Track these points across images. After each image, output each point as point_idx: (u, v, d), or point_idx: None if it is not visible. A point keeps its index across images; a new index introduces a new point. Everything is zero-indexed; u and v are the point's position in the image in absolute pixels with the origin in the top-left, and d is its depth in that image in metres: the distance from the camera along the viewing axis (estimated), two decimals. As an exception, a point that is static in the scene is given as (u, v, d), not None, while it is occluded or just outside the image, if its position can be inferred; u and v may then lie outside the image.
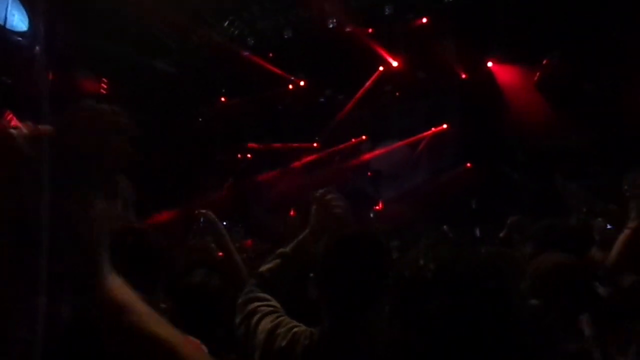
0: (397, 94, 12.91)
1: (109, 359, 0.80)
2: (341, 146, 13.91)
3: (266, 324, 1.71)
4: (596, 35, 9.15)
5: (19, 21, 8.15)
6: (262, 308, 1.78)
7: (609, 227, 5.12)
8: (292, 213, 9.69)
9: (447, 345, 0.87)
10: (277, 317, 1.74)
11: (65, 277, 0.75)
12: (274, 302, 1.83)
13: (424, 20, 10.11)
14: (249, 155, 14.56)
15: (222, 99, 12.92)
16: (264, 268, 1.97)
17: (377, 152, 13.53)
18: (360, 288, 1.61)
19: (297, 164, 13.33)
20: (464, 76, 11.80)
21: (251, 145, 13.70)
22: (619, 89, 9.73)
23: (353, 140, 14.17)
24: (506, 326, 0.88)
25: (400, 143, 13.42)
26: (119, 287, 0.80)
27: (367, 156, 13.47)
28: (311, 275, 1.70)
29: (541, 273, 1.93)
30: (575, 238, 2.63)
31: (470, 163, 12.28)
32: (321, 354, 1.61)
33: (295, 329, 1.68)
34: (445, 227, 5.76)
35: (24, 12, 8.09)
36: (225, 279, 2.28)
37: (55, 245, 0.71)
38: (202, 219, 2.66)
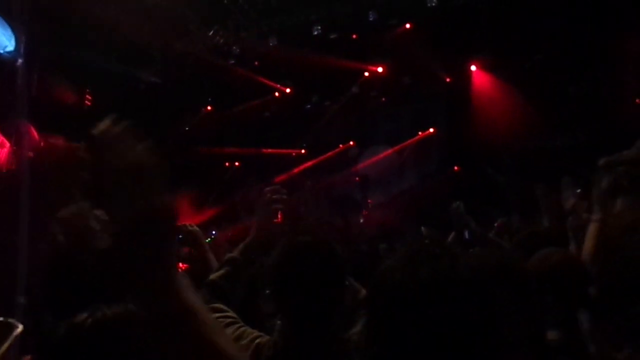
0: (383, 99, 12.99)
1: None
2: (330, 153, 13.97)
3: (228, 335, 1.68)
4: (580, 38, 9.31)
5: (5, 40, 8.09)
6: (220, 320, 1.72)
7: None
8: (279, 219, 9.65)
9: (426, 356, 0.87)
10: (238, 328, 1.71)
11: (139, 278, 0.74)
12: (230, 313, 1.78)
13: (408, 26, 10.20)
14: (236, 164, 14.52)
15: (208, 107, 12.87)
16: (214, 276, 1.92)
17: (366, 160, 13.58)
18: (315, 297, 1.57)
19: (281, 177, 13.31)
20: (448, 80, 11.93)
21: (238, 151, 13.64)
22: (603, 90, 9.91)
23: (340, 146, 14.22)
24: (485, 337, 0.88)
25: (387, 148, 13.50)
26: (187, 289, 0.79)
27: (359, 166, 13.50)
28: (266, 292, 1.67)
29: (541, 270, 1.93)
30: (555, 240, 2.65)
31: (457, 166, 12.39)
32: None
33: (258, 340, 1.65)
34: (423, 229, 5.73)
35: (10, 31, 8.02)
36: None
37: (128, 244, 0.71)
38: (185, 231, 2.62)
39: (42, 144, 8.08)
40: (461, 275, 0.91)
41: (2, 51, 8.41)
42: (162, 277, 0.75)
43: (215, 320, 0.84)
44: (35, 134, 8.20)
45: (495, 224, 3.97)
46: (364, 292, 1.92)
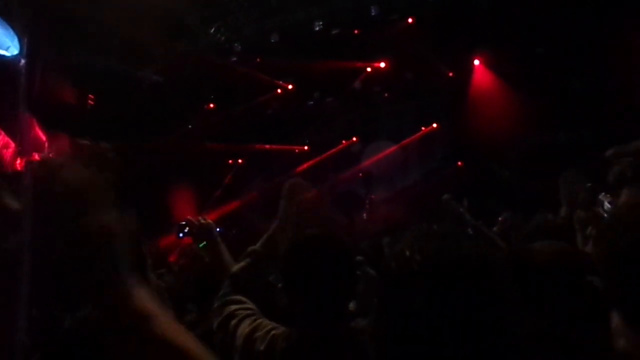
0: (386, 95, 12.96)
1: None
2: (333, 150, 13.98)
3: (244, 327, 1.69)
4: (583, 32, 9.25)
5: (7, 40, 8.17)
6: (240, 311, 1.76)
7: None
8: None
9: (433, 336, 0.87)
10: (255, 320, 1.73)
11: (83, 286, 0.76)
12: (250, 304, 1.81)
13: (410, 20, 10.15)
14: (240, 161, 14.55)
15: (210, 105, 12.88)
16: (236, 268, 1.95)
17: (369, 156, 13.57)
18: (325, 289, 1.59)
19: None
20: (451, 75, 11.88)
21: (241, 148, 13.66)
22: (607, 85, 9.85)
23: (344, 142, 14.21)
24: (492, 316, 0.88)
25: (390, 144, 13.47)
26: (143, 296, 0.80)
27: (364, 164, 13.50)
28: (279, 285, 1.69)
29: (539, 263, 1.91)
30: (564, 232, 2.64)
31: (460, 162, 12.35)
32: (299, 356, 1.60)
33: (273, 332, 1.67)
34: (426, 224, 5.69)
35: (12, 32, 8.08)
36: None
37: (75, 254, 0.73)
38: (197, 224, 2.62)
39: (47, 143, 8.11)
40: (467, 254, 0.91)
41: (4, 51, 8.46)
42: (105, 287, 0.77)
43: (179, 324, 0.85)
44: (41, 134, 8.24)
45: (500, 219, 3.96)
46: None
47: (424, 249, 0.93)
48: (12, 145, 8.19)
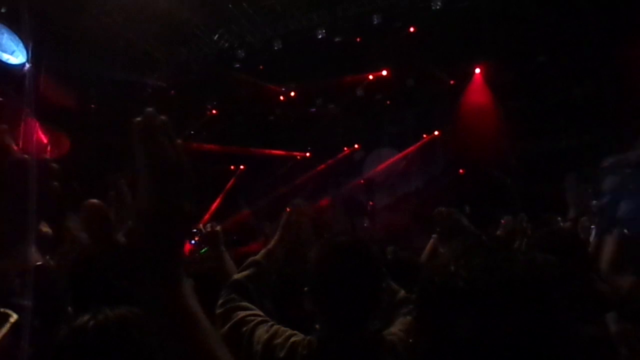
0: (388, 102, 13.00)
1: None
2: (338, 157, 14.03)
3: (261, 334, 1.68)
4: (583, 40, 9.29)
5: (12, 45, 8.26)
6: (251, 317, 1.75)
7: (592, 227, 5.16)
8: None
9: (478, 357, 0.81)
10: (272, 327, 1.71)
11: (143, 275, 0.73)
12: (258, 311, 1.80)
13: (412, 29, 10.21)
14: (242, 167, 14.58)
15: (213, 111, 12.94)
16: (239, 275, 1.94)
17: (371, 163, 13.60)
18: (353, 297, 1.59)
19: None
20: (452, 83, 11.93)
21: (244, 153, 13.68)
22: (607, 92, 9.87)
23: (346, 149, 14.25)
24: (546, 340, 0.80)
25: (392, 151, 13.51)
26: (191, 295, 0.77)
27: (368, 174, 13.53)
28: (305, 289, 1.68)
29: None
30: (574, 240, 2.65)
31: (462, 169, 12.37)
32: None
33: (293, 339, 1.65)
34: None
35: (20, 41, 8.17)
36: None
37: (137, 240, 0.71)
38: (206, 232, 2.64)
39: (48, 146, 8.15)
40: (517, 270, 0.84)
41: (9, 55, 8.54)
42: (170, 280, 0.75)
43: (213, 328, 0.82)
44: (43, 136, 8.29)
45: (502, 221, 3.96)
46: (402, 293, 1.94)
47: (470, 265, 0.85)
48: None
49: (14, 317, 0.94)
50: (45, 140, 8.06)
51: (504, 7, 9.13)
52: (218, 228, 2.65)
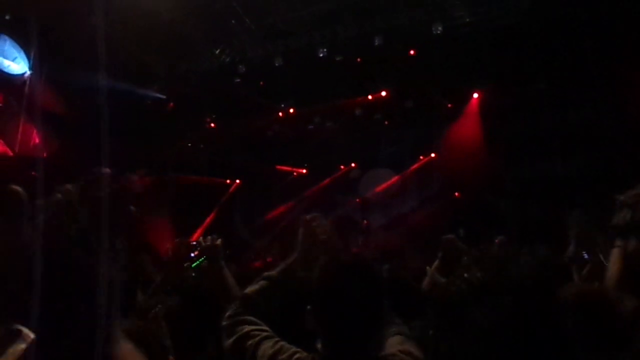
0: (386, 122, 13.09)
1: None
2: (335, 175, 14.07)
3: (266, 349, 1.68)
4: (581, 67, 9.43)
5: (14, 52, 8.33)
6: (256, 332, 1.75)
7: (585, 256, 5.18)
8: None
9: (494, 349, 0.89)
10: (277, 343, 1.71)
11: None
12: (264, 326, 1.80)
13: (412, 52, 10.34)
14: (237, 181, 14.57)
15: (212, 125, 12.97)
16: (249, 290, 1.94)
17: (367, 182, 13.64)
18: (356, 315, 1.58)
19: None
20: (450, 106, 12.04)
21: (241, 165, 13.69)
22: (604, 118, 9.98)
23: (342, 167, 14.28)
24: (552, 329, 0.90)
25: (389, 171, 13.55)
26: (129, 353, 0.77)
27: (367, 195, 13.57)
28: (308, 307, 1.67)
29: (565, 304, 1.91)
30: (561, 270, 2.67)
31: (457, 192, 12.41)
32: None
33: (297, 355, 1.65)
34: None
35: (21, 49, 8.23)
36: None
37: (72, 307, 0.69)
38: (205, 245, 2.61)
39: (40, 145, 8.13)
40: (521, 269, 1.01)
41: (10, 62, 8.57)
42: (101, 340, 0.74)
43: None
44: (36, 137, 8.28)
45: (496, 241, 4.00)
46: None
47: (484, 267, 1.00)
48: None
49: (30, 336, 0.91)
50: (37, 140, 8.07)
51: (504, 33, 9.28)
52: (218, 242, 2.63)
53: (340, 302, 1.60)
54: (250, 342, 1.71)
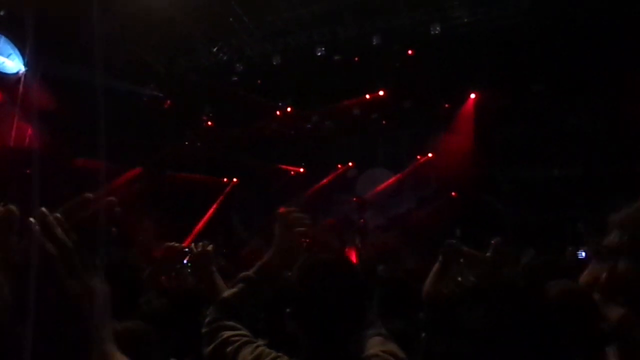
0: (383, 122, 13.09)
1: None
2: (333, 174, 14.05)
3: (245, 355, 1.63)
4: (578, 70, 9.45)
5: (9, 48, 8.30)
6: (235, 338, 1.69)
7: (582, 256, 5.20)
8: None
9: (488, 350, 0.91)
10: (257, 348, 1.66)
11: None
12: (244, 331, 1.74)
13: (410, 52, 10.35)
14: (234, 180, 14.54)
15: (209, 123, 12.94)
16: (227, 294, 1.88)
17: (364, 182, 13.63)
18: (336, 316, 1.55)
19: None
20: (447, 106, 12.05)
21: (238, 164, 13.64)
22: (601, 122, 10.01)
23: (339, 166, 14.28)
24: (540, 330, 0.93)
25: (386, 170, 13.56)
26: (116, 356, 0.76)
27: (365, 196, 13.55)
28: (287, 310, 1.64)
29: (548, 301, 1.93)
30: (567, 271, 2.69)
31: (455, 192, 12.42)
32: None
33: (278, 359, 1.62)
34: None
35: (17, 53, 8.20)
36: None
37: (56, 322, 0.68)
38: (197, 251, 2.55)
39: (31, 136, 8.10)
40: (508, 274, 1.03)
41: (5, 58, 8.54)
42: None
43: None
44: (31, 134, 8.25)
45: (492, 242, 3.97)
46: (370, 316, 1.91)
47: (475, 272, 1.03)
48: None
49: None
50: (34, 139, 8.05)
51: (502, 35, 9.30)
52: (209, 248, 2.56)
53: (319, 303, 1.56)
54: (229, 349, 1.66)
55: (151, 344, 1.88)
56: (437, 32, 9.29)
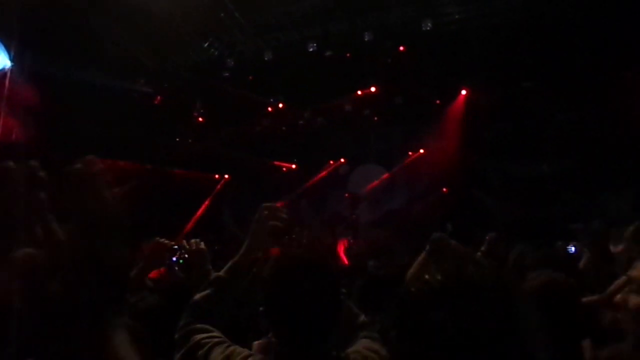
0: (375, 118, 13.11)
1: None
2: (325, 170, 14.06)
3: (216, 356, 1.60)
4: (568, 67, 9.52)
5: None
6: (206, 340, 1.66)
7: (572, 250, 5.26)
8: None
9: (454, 351, 0.91)
10: (227, 347, 1.63)
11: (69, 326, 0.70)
12: (216, 332, 1.71)
13: (402, 48, 10.35)
14: (226, 176, 14.50)
15: (200, 118, 12.88)
16: (198, 296, 1.84)
17: (356, 178, 13.66)
18: (309, 314, 1.52)
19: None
20: (438, 103, 12.09)
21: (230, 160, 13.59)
22: (590, 118, 10.09)
23: (331, 162, 14.29)
24: (508, 330, 0.93)
25: (377, 167, 13.60)
26: (124, 344, 0.74)
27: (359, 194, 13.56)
28: (260, 309, 1.58)
29: (532, 290, 1.93)
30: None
31: (446, 188, 12.48)
32: None
33: (250, 358, 1.60)
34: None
35: (3, 49, 8.09)
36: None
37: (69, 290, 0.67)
38: (190, 250, 2.49)
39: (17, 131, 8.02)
40: (479, 273, 0.98)
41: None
42: (100, 330, 0.71)
43: None
44: (18, 131, 8.16)
45: (487, 237, 3.98)
46: (362, 317, 1.89)
47: (444, 269, 0.99)
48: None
49: None
50: (21, 136, 7.96)
51: (493, 31, 9.33)
52: (202, 246, 2.48)
53: (293, 301, 1.52)
54: (200, 352, 1.63)
55: (142, 342, 1.87)
56: (428, 28, 9.30)
